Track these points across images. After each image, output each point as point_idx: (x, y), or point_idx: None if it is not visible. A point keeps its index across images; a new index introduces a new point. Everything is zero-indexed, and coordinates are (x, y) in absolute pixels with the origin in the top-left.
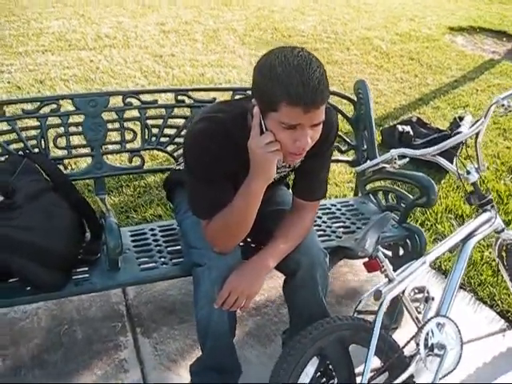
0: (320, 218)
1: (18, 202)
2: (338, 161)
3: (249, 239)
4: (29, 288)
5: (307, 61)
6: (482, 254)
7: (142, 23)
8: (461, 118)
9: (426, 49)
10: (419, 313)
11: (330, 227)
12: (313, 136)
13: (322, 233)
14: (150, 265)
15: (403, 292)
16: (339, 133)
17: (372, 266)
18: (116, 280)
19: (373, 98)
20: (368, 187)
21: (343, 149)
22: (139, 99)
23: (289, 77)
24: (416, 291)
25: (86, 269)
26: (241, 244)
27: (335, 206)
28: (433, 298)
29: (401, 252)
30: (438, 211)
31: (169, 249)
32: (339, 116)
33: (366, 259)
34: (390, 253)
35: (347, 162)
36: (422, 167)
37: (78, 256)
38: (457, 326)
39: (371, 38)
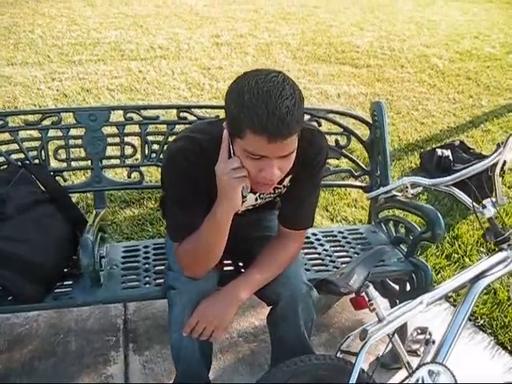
0: (322, 245)
1: (8, 213)
2: (350, 186)
3: (240, 263)
4: (10, 298)
5: (278, 88)
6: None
7: (197, 35)
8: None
9: (486, 68)
10: (418, 355)
11: (330, 256)
12: (282, 167)
13: (319, 261)
14: (133, 283)
15: (394, 333)
16: (353, 157)
17: (358, 303)
18: (95, 297)
19: (419, 119)
20: (381, 215)
21: (356, 174)
22: (140, 114)
23: (255, 105)
24: (418, 332)
25: (71, 283)
26: (230, 268)
27: (342, 233)
28: (433, 342)
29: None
30: (469, 243)
31: (156, 268)
32: (353, 138)
33: (354, 295)
34: (397, 287)
35: (360, 187)
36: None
37: (64, 269)
38: (453, 376)
39: (429, 56)
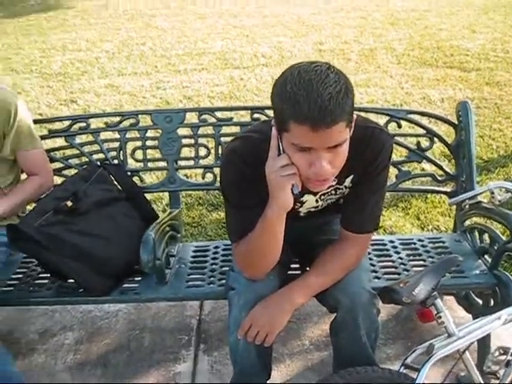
0: (398, 253)
1: (83, 208)
2: (433, 191)
3: (307, 268)
4: (81, 290)
5: (321, 76)
6: None
7: (301, 43)
8: None
9: None
10: (497, 378)
11: (405, 265)
12: (333, 160)
13: (392, 270)
14: (197, 283)
15: (465, 350)
16: (436, 160)
17: (424, 315)
18: (159, 293)
19: None
20: (467, 223)
21: (440, 179)
22: (214, 116)
23: (296, 94)
24: (500, 352)
25: (139, 279)
26: (296, 272)
27: (422, 241)
28: None
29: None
30: None
31: (222, 269)
32: (435, 141)
33: (420, 306)
34: (480, 301)
35: (444, 192)
36: None
37: (135, 265)
38: None
39: None
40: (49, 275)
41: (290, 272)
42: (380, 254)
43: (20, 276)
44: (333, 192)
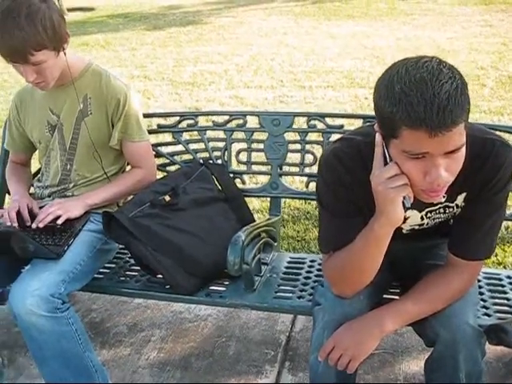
0: None
1: (180, 204)
2: None
3: None
4: (168, 286)
5: (433, 72)
6: None
7: None
8: None
9: None
10: None
11: None
12: (450, 167)
13: (506, 308)
14: (286, 294)
15: None
16: None
17: None
18: (244, 300)
19: None
20: None
21: None
22: (324, 122)
23: (408, 95)
24: None
25: (227, 283)
26: (391, 297)
27: None
28: None
29: None
30: None
31: (316, 284)
32: None
33: None
34: None
35: None
36: None
37: (225, 268)
38: None
39: None
40: (139, 268)
41: (386, 296)
42: (494, 289)
43: (112, 266)
44: (441, 210)
